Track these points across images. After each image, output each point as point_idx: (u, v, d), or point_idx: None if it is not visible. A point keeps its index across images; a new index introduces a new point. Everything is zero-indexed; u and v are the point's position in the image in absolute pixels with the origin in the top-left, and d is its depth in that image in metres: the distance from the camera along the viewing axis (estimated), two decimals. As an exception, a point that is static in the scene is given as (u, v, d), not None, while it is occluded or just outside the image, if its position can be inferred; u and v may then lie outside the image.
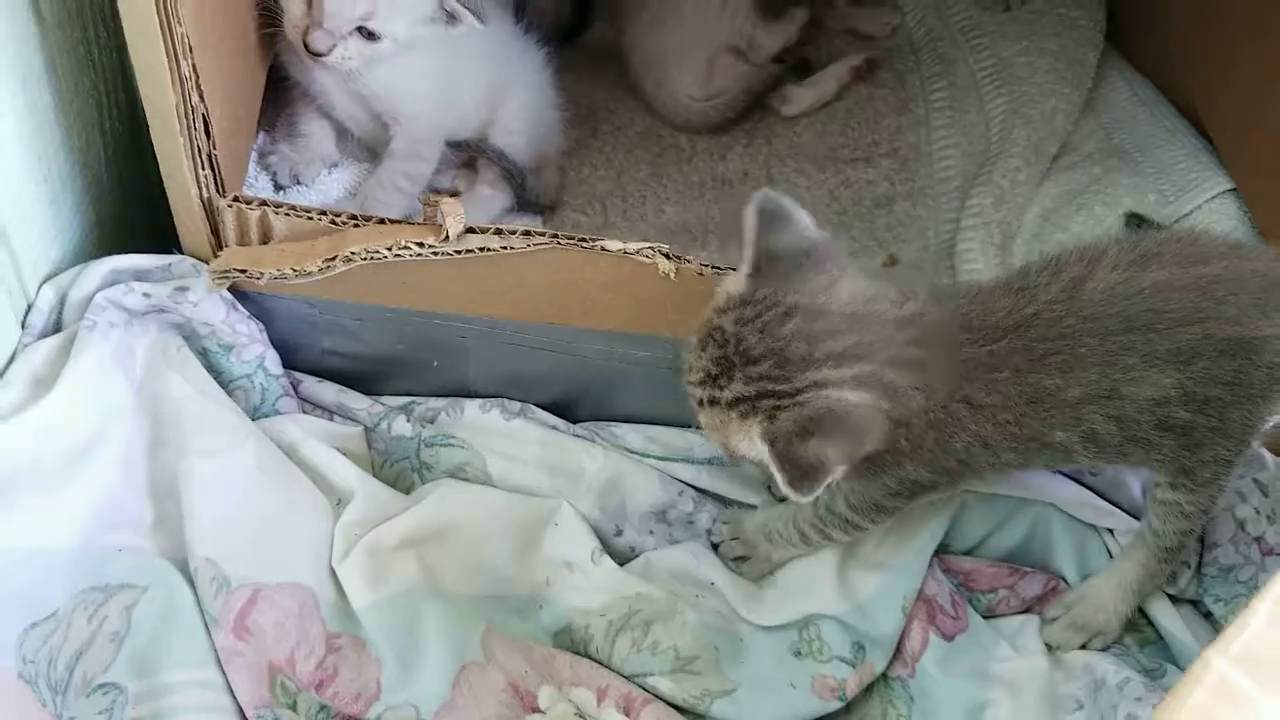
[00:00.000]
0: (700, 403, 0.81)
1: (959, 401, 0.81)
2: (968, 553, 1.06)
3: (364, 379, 1.07)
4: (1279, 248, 1.07)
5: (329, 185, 1.16)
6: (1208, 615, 1.01)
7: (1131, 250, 0.84)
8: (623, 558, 1.03)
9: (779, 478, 0.74)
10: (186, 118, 0.82)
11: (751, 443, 0.78)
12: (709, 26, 1.40)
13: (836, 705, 0.95)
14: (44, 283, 0.92)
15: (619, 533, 1.04)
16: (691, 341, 0.83)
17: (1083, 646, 0.99)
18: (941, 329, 0.80)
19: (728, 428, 0.79)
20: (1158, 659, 0.99)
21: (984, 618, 1.03)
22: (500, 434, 1.05)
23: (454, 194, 1.22)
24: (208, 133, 0.85)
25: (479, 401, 1.06)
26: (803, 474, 0.74)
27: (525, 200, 1.24)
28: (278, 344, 1.01)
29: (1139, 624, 1.02)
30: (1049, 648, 1.00)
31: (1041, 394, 0.81)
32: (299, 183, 1.14)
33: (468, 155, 1.24)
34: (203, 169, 0.86)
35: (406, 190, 1.13)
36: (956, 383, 0.80)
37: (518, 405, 1.06)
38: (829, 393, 0.76)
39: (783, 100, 1.44)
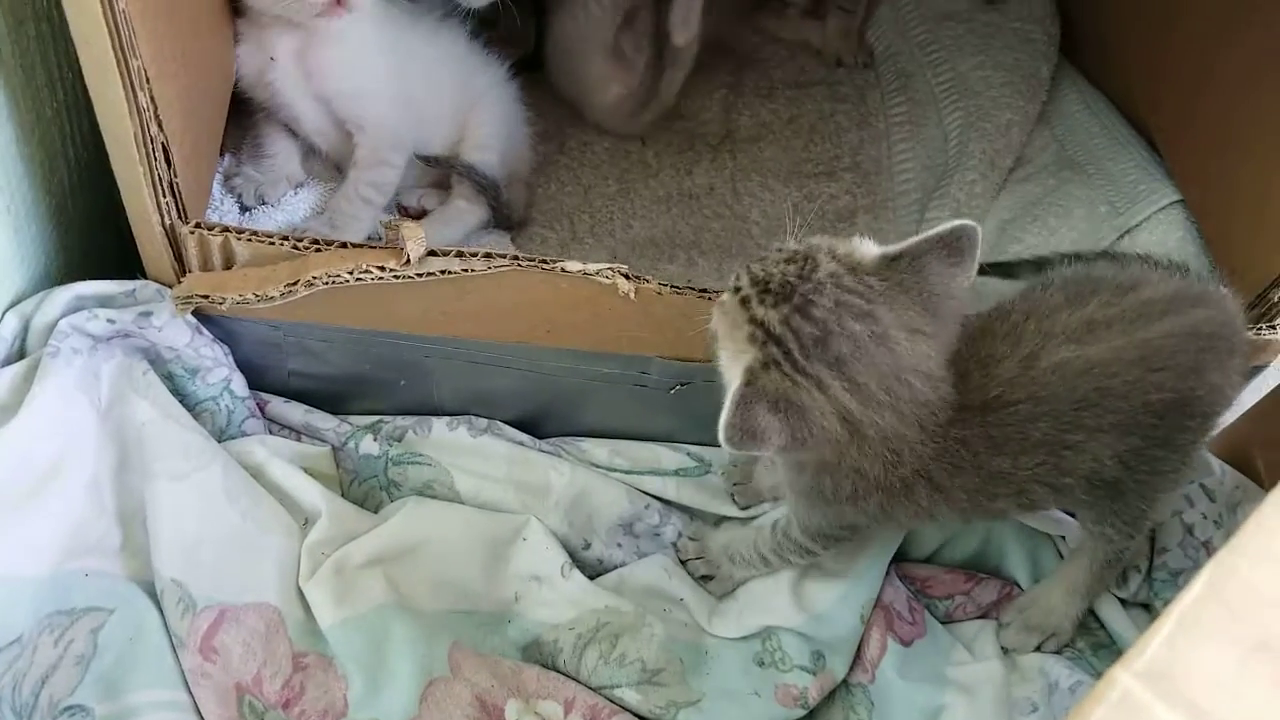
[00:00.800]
0: (737, 289, 0.79)
1: (920, 477, 0.82)
2: (925, 560, 1.08)
3: (331, 399, 1.08)
4: (1224, 263, 1.11)
5: (295, 205, 1.16)
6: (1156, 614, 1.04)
7: (1081, 320, 0.83)
8: (592, 571, 1.04)
9: (725, 414, 0.74)
10: (146, 147, 0.83)
11: (733, 361, 0.78)
12: (595, 28, 1.39)
13: (800, 713, 0.97)
14: (7, 310, 0.93)
15: (587, 546, 1.05)
16: (787, 243, 0.80)
17: (1037, 648, 1.01)
18: (938, 412, 0.79)
19: (733, 329, 0.78)
20: (1110, 662, 1.01)
21: (942, 623, 1.05)
22: (467, 451, 1.06)
23: (422, 214, 1.23)
24: (168, 161, 0.86)
25: (446, 419, 1.07)
26: (744, 430, 0.75)
27: (499, 216, 1.25)
28: (243, 366, 1.02)
29: (1092, 628, 1.04)
30: (1005, 651, 1.02)
31: (995, 475, 0.83)
32: (264, 203, 1.14)
33: (440, 174, 1.24)
34: (164, 196, 0.87)
35: (373, 201, 1.13)
36: (925, 462, 0.81)
37: (484, 422, 1.08)
38: (819, 398, 0.75)
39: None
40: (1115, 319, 0.84)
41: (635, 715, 0.95)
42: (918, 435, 0.79)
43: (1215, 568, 0.43)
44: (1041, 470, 0.84)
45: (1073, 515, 1.03)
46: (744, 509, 1.08)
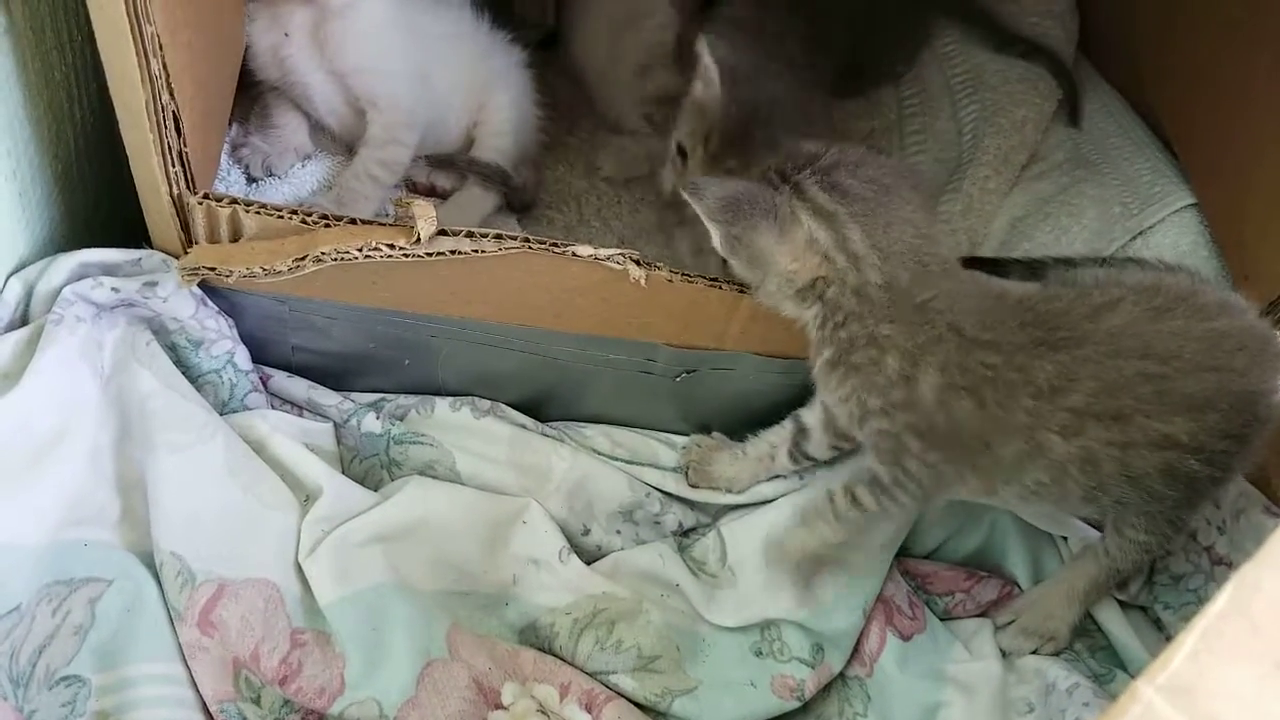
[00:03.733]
0: None
1: (949, 328, 0.84)
2: (926, 556, 1.08)
3: (334, 376, 1.07)
4: (1238, 268, 1.11)
5: (302, 178, 1.15)
6: (1157, 622, 1.04)
7: (1148, 302, 0.86)
8: (590, 556, 1.04)
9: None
10: (156, 115, 0.82)
11: None
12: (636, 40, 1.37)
13: (794, 705, 0.97)
14: (10, 275, 0.92)
15: (586, 532, 1.05)
16: None
17: (1034, 652, 1.01)
18: (954, 267, 0.87)
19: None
20: (1108, 664, 1.01)
21: (940, 620, 1.05)
22: (470, 432, 1.05)
23: (431, 190, 1.22)
24: (178, 130, 0.84)
25: (449, 400, 1.06)
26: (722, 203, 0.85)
27: (511, 200, 1.24)
28: (247, 340, 1.01)
29: (1090, 630, 1.04)
30: (1003, 653, 1.02)
31: (1034, 377, 0.83)
32: (272, 174, 1.13)
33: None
34: (173, 166, 0.86)
35: (383, 180, 1.12)
36: (947, 306, 0.84)
37: (488, 404, 1.07)
38: (797, 202, 0.85)
39: None
40: (1181, 310, 0.86)
41: (631, 701, 0.95)
42: (937, 266, 0.85)
43: (1239, 582, 0.42)
44: (1100, 410, 0.83)
45: (1096, 528, 1.03)
46: (693, 486, 1.08)
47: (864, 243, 0.85)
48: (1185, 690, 0.39)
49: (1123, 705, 0.38)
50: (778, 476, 1.06)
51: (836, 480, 0.95)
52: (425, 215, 0.87)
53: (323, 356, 1.05)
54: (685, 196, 0.88)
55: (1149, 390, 0.83)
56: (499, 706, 0.91)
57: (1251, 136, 1.15)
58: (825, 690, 0.99)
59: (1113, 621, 1.02)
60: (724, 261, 0.94)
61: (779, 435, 1.03)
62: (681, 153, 1.12)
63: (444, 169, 1.21)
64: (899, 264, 0.85)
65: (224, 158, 1.12)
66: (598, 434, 1.09)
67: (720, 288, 0.96)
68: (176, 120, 0.84)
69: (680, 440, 1.10)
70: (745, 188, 0.87)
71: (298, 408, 1.05)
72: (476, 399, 1.07)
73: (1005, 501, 0.94)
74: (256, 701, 0.86)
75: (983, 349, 0.84)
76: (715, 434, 1.10)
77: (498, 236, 0.90)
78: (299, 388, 1.05)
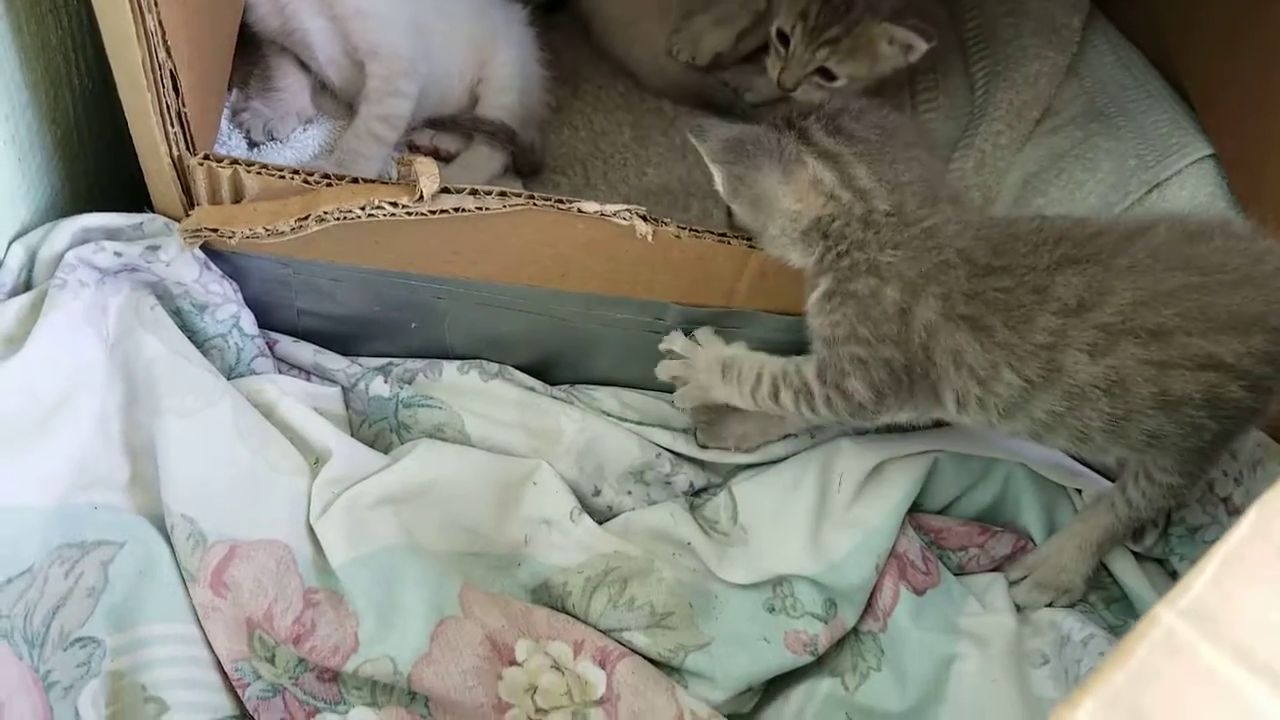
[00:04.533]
0: None
1: (959, 254, 0.82)
2: (939, 512, 1.08)
3: (340, 340, 1.06)
4: (1256, 216, 1.08)
5: (304, 142, 1.15)
6: (1173, 574, 1.03)
7: (1182, 226, 0.82)
8: (601, 517, 1.04)
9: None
10: (153, 74, 0.81)
11: None
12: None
13: (808, 659, 0.97)
14: (13, 241, 0.91)
15: (597, 492, 1.04)
16: None
17: (1049, 605, 1.00)
18: (965, 198, 0.88)
19: None
20: (1122, 616, 1.01)
21: (954, 575, 1.04)
22: (478, 395, 1.05)
23: (434, 153, 1.21)
24: (176, 89, 0.83)
25: (457, 363, 1.06)
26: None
27: (519, 161, 1.23)
28: (252, 304, 1.00)
29: (1105, 582, 1.03)
30: (1017, 608, 1.01)
31: (1058, 294, 0.79)
32: (273, 139, 1.12)
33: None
34: (171, 126, 0.85)
35: (384, 138, 1.11)
36: (957, 232, 0.83)
37: (495, 367, 1.07)
38: (801, 146, 0.86)
39: (749, 87, 1.41)
40: (1218, 232, 0.82)
41: (644, 658, 0.95)
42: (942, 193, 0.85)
43: (1262, 508, 0.41)
44: (1136, 325, 0.78)
45: (1108, 478, 1.01)
46: (702, 447, 1.07)
47: (870, 178, 0.85)
48: (1207, 615, 0.38)
49: (1142, 630, 0.37)
50: (789, 436, 1.06)
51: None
52: (428, 173, 0.86)
53: (329, 320, 1.04)
54: (690, 138, 0.89)
55: (1192, 304, 0.77)
56: (513, 663, 0.92)
57: (1272, 87, 1.13)
58: (838, 645, 0.99)
59: (1128, 573, 1.01)
60: (729, 213, 0.93)
61: None
62: (783, 39, 1.15)
63: (448, 131, 1.20)
64: (907, 192, 0.85)
65: (224, 122, 1.11)
66: (606, 396, 1.08)
67: (729, 243, 0.95)
68: (174, 79, 0.83)
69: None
70: (750, 131, 0.87)
71: (305, 372, 1.05)
72: (484, 362, 1.07)
73: (1013, 433, 0.89)
74: (271, 660, 0.87)
75: (995, 275, 0.82)
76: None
77: (502, 194, 0.89)
78: (305, 352, 1.04)
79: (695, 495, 1.08)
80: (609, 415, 1.07)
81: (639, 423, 1.07)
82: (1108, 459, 0.98)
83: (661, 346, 1.01)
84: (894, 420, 0.91)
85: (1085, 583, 1.01)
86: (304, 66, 1.13)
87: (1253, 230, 0.84)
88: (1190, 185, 1.17)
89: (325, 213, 0.86)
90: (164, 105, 0.84)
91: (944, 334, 0.83)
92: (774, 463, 1.06)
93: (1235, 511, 1.00)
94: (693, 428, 1.07)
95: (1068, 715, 0.35)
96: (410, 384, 1.05)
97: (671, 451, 1.07)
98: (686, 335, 1.01)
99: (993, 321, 0.81)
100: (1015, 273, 0.81)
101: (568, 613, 0.97)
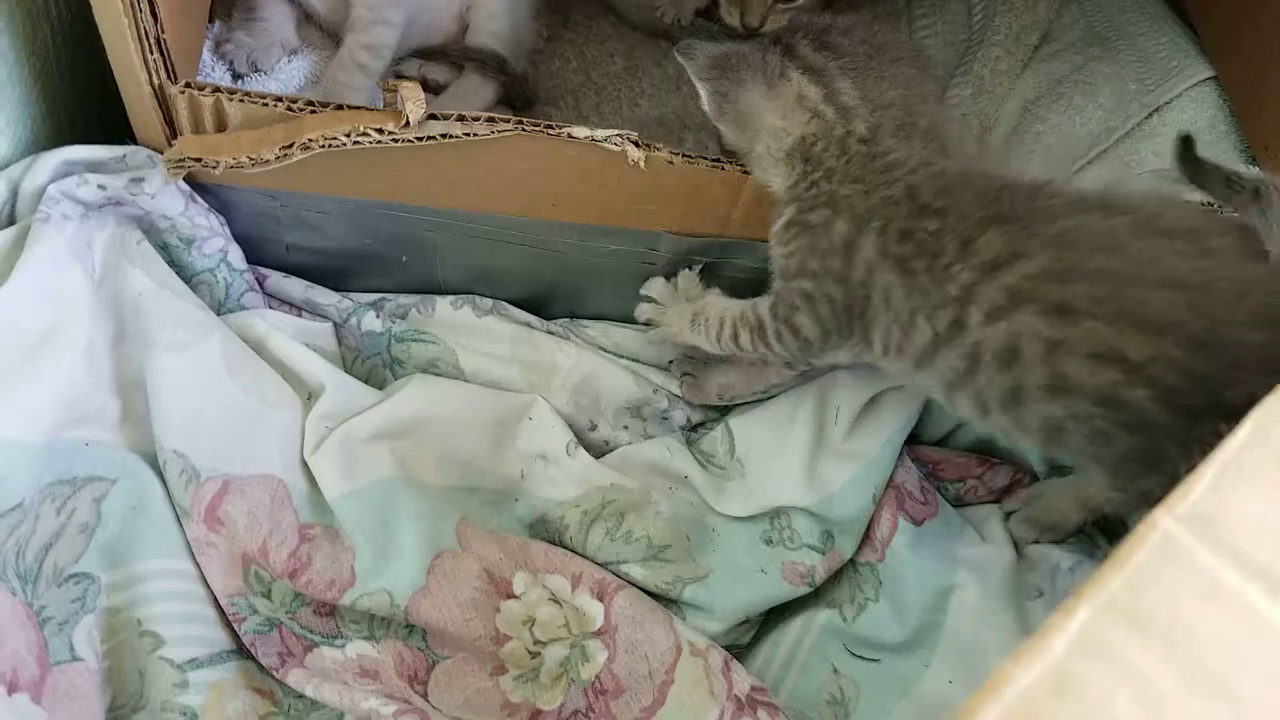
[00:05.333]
0: None
1: (905, 191, 0.80)
2: (937, 443, 1.07)
3: (331, 275, 1.05)
4: (1258, 140, 1.07)
5: (289, 74, 1.12)
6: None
7: (1150, 216, 0.75)
8: (597, 451, 1.03)
9: None
10: (131, -2, 0.79)
11: None
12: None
13: (805, 590, 0.97)
14: (-6, 175, 0.90)
15: (593, 427, 1.04)
16: None
17: (1035, 541, 1.01)
18: (945, 129, 0.86)
19: None
20: (1116, 542, 1.01)
21: (953, 506, 1.04)
22: (472, 330, 1.04)
23: (424, 86, 1.18)
24: (154, 14, 0.81)
25: (450, 298, 1.05)
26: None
27: (512, 92, 1.20)
28: (240, 239, 0.99)
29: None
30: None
31: (978, 249, 0.74)
32: (258, 70, 1.10)
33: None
34: (151, 53, 0.83)
35: (370, 67, 1.09)
36: (913, 168, 0.82)
37: (489, 303, 1.05)
38: (786, 61, 0.86)
39: None
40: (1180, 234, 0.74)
41: (642, 590, 0.95)
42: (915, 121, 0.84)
43: (1261, 414, 0.41)
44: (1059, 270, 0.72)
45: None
46: (689, 403, 1.06)
47: (854, 94, 0.85)
48: (1205, 520, 0.37)
49: (1140, 535, 0.36)
50: (773, 386, 1.05)
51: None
52: (414, 98, 0.84)
53: (319, 255, 1.03)
54: (677, 56, 0.89)
55: (1107, 290, 0.71)
56: (510, 596, 0.92)
57: (1272, 8, 1.10)
58: (836, 576, 0.99)
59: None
60: (719, 137, 0.92)
61: None
62: None
63: (436, 61, 1.18)
64: (886, 116, 0.84)
65: (207, 54, 1.09)
66: (601, 333, 1.07)
67: (723, 168, 0.93)
68: (152, 4, 0.81)
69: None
70: (736, 48, 0.87)
71: (295, 308, 1.04)
72: (477, 298, 1.05)
73: (928, 387, 0.85)
74: (267, 595, 0.87)
75: (929, 216, 0.78)
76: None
77: (490, 119, 0.87)
78: (296, 288, 1.03)
79: (692, 430, 1.08)
80: (605, 351, 1.06)
81: (635, 359, 1.07)
82: (1031, 449, 0.91)
83: (642, 291, 1.01)
84: (835, 361, 0.91)
85: (1075, 527, 1.01)
86: None
87: (1232, 245, 0.74)
88: (1191, 108, 1.15)
89: (310, 140, 0.84)
90: (142, 31, 0.81)
91: (880, 272, 0.80)
92: (771, 397, 1.06)
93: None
94: (680, 381, 1.06)
95: (1064, 622, 0.35)
96: (403, 319, 1.04)
97: (667, 391, 1.06)
98: (667, 279, 1.01)
99: (917, 265, 0.78)
100: (948, 217, 0.77)
101: (565, 546, 0.97)
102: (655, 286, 1.01)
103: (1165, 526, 0.37)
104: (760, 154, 0.89)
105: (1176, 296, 0.70)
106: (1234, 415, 0.59)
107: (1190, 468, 0.65)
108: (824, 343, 0.86)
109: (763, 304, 0.90)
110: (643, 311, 1.01)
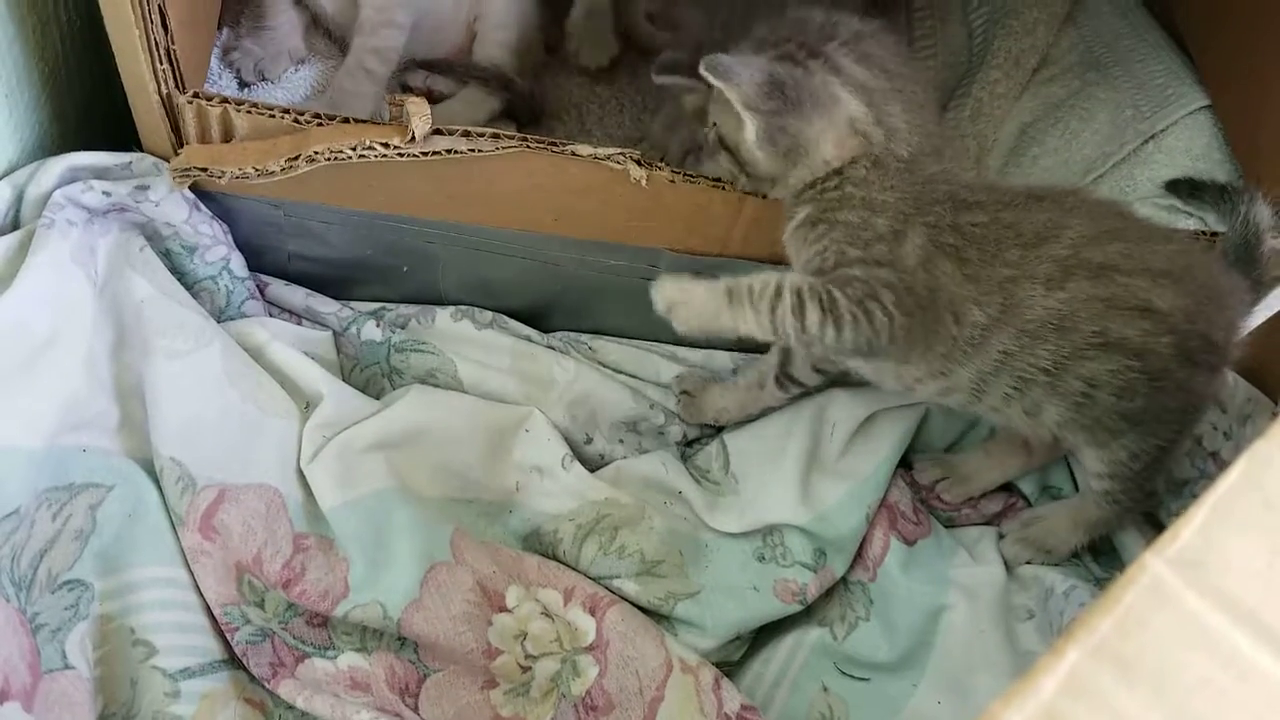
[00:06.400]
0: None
1: (946, 194, 0.82)
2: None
3: (332, 284, 1.05)
4: (1251, 171, 1.08)
5: (296, 82, 1.13)
6: (1160, 527, 1.04)
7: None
8: (592, 465, 1.04)
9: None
10: (142, 9, 0.79)
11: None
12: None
13: (797, 608, 0.97)
14: (0, 179, 0.90)
15: (589, 441, 1.04)
16: None
17: (1028, 562, 1.01)
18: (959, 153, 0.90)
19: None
20: (1110, 569, 1.02)
21: (945, 528, 1.05)
22: (471, 342, 1.04)
23: (427, 94, 1.19)
24: (165, 25, 0.82)
25: (450, 310, 1.05)
26: (725, 64, 0.78)
27: (517, 107, 1.20)
28: (243, 247, 0.99)
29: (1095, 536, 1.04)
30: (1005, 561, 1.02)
31: (1022, 230, 0.81)
32: (265, 78, 1.10)
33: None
34: (160, 63, 0.83)
35: (376, 72, 1.09)
36: (949, 179, 0.83)
37: (489, 315, 1.06)
38: (831, 79, 0.81)
39: None
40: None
41: (634, 605, 0.95)
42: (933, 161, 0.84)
43: (1252, 458, 0.41)
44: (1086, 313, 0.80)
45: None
46: (684, 422, 1.06)
47: (903, 117, 0.82)
48: (1195, 564, 0.38)
49: (1130, 576, 0.37)
50: (768, 409, 1.05)
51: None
52: (420, 113, 0.85)
53: (320, 264, 1.03)
54: (710, 78, 0.78)
55: (1131, 245, 0.81)
56: (503, 609, 0.92)
57: (1268, 38, 1.11)
58: (827, 594, 1.00)
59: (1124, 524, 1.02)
60: (713, 156, 0.90)
61: (767, 362, 1.02)
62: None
63: (442, 74, 1.18)
64: (926, 140, 0.84)
65: (215, 62, 1.09)
66: (600, 348, 1.08)
67: (724, 189, 0.94)
68: (163, 15, 0.82)
69: (682, 353, 1.09)
70: (780, 69, 0.79)
71: (296, 316, 1.04)
72: (477, 310, 1.06)
73: (964, 393, 0.87)
74: (260, 605, 0.87)
75: (971, 210, 0.82)
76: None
77: (495, 135, 0.88)
78: (297, 295, 1.03)
79: (688, 446, 1.08)
80: (603, 366, 1.07)
81: (634, 375, 1.07)
82: (1042, 431, 0.91)
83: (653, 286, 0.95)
84: (858, 371, 0.92)
85: (1070, 551, 1.01)
86: (297, 3, 1.11)
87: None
88: (1186, 137, 1.16)
89: (316, 153, 0.84)
90: (153, 42, 0.82)
91: (935, 260, 0.82)
92: (765, 413, 1.06)
93: (1224, 465, 1.00)
94: (676, 399, 1.07)
95: (1053, 663, 0.35)
96: (403, 329, 1.04)
97: (664, 407, 1.07)
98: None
99: (970, 254, 0.81)
100: (988, 208, 0.82)
101: (558, 560, 0.97)
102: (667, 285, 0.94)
103: (1155, 569, 0.37)
104: (792, 182, 0.85)
105: (1179, 248, 0.83)
106: (1218, 359, 0.83)
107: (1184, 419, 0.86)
108: (892, 329, 0.80)
109: (831, 287, 0.81)
110: (664, 295, 0.87)
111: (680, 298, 0.87)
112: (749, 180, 0.88)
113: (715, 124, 0.88)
